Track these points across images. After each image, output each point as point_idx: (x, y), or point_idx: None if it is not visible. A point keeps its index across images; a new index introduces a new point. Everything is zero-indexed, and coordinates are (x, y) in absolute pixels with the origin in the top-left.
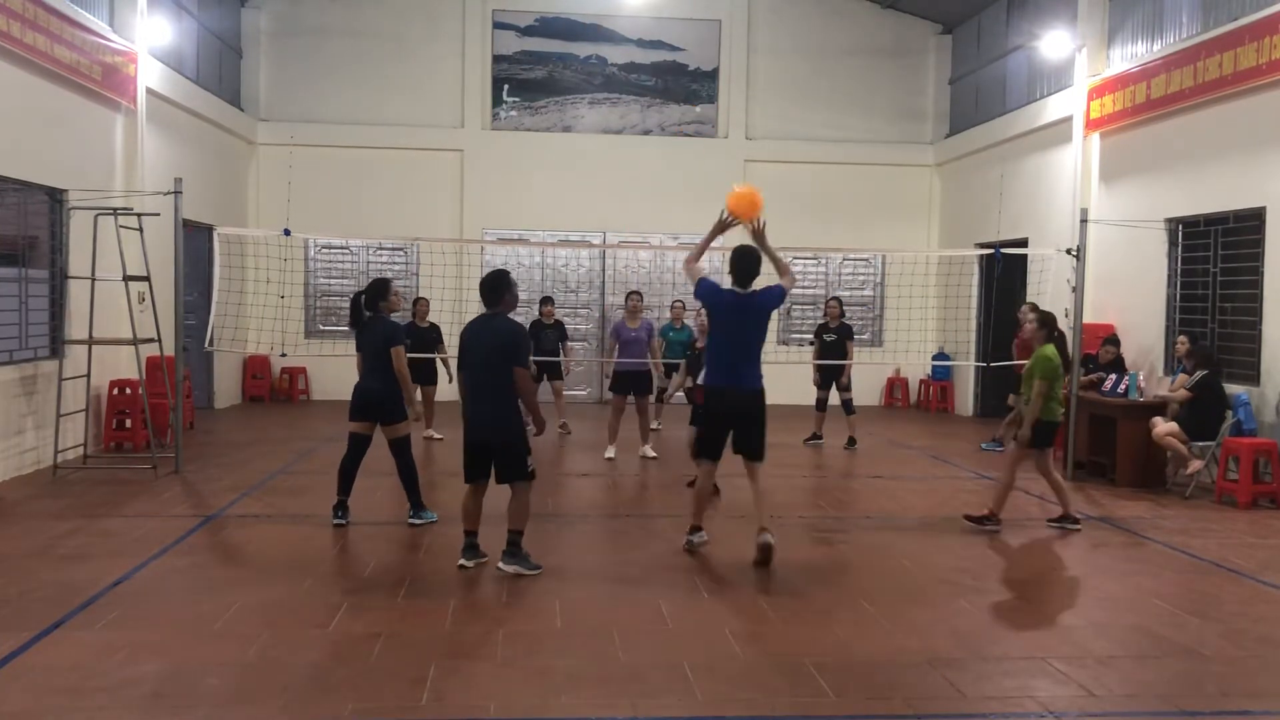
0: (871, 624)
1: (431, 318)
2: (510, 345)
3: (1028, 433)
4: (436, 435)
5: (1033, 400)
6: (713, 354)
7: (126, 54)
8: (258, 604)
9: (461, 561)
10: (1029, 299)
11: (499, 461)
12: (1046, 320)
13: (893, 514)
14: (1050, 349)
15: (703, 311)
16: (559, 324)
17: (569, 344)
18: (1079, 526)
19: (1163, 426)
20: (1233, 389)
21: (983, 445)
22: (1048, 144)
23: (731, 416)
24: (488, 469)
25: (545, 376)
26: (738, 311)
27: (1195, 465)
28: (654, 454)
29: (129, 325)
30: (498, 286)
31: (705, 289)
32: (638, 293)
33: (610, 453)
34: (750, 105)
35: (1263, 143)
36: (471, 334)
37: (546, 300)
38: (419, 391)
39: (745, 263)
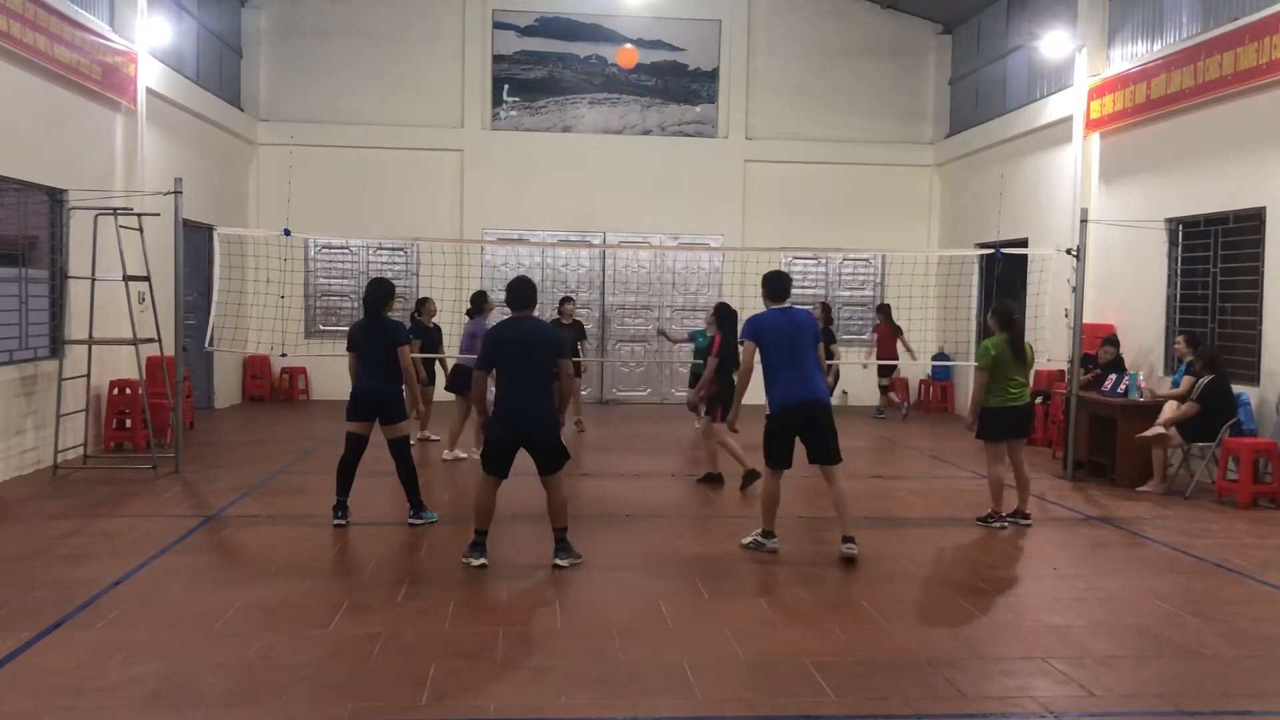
0: (871, 624)
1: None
2: (553, 340)
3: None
4: (433, 437)
5: (973, 392)
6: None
7: (126, 54)
8: (258, 604)
9: (474, 561)
10: (1028, 299)
11: (541, 456)
12: (998, 311)
13: (893, 514)
14: (988, 341)
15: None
16: (577, 323)
17: (584, 343)
18: (1005, 526)
19: (1151, 430)
20: (1233, 389)
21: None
22: (1048, 144)
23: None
24: (510, 464)
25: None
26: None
27: (1173, 437)
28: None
29: (129, 325)
30: (529, 290)
31: (752, 325)
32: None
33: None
34: (750, 105)
35: (1263, 143)
36: (504, 332)
37: (567, 300)
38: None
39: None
